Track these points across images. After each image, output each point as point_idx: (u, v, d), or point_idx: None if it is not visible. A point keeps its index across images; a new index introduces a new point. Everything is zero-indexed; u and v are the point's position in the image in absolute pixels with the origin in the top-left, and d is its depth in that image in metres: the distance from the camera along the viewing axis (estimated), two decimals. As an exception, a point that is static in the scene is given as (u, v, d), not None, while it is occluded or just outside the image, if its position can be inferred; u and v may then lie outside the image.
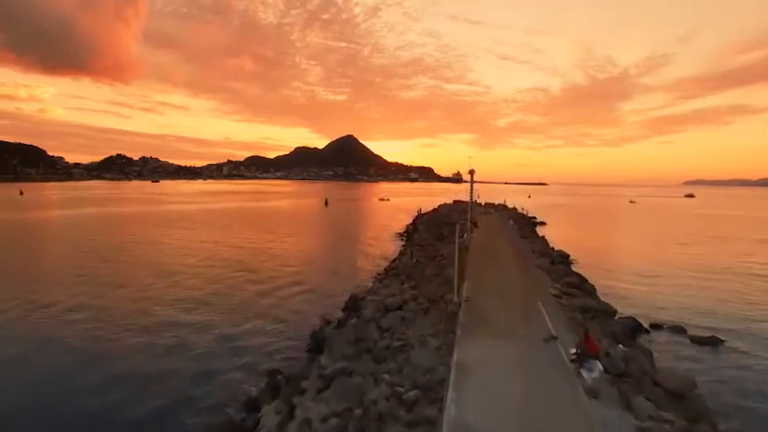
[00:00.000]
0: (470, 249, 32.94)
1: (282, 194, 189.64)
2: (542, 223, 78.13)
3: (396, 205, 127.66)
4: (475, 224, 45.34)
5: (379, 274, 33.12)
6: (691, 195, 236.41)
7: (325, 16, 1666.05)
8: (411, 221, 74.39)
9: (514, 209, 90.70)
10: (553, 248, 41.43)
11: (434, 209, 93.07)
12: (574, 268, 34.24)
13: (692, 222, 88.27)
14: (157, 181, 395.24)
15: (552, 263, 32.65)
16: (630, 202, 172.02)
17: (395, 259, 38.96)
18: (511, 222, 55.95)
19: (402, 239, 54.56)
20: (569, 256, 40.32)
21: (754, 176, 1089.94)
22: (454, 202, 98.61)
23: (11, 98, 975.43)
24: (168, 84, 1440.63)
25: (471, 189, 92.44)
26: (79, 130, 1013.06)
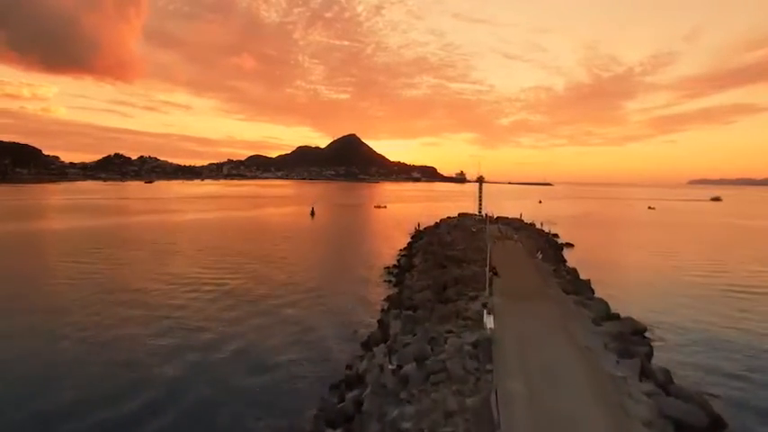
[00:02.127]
0: (498, 345, 18.02)
1: (273, 199, 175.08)
2: (569, 245, 63.09)
3: (392, 214, 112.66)
4: (495, 272, 30.36)
5: (325, 397, 18.19)
6: (717, 199, 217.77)
7: (327, 15, 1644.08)
8: (406, 245, 59.49)
9: (533, 225, 75.52)
10: (618, 316, 26.49)
11: (436, 224, 77.95)
12: (672, 372, 19.34)
13: (761, 243, 72.54)
14: (151, 182, 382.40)
15: (645, 374, 17.78)
16: (649, 208, 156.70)
17: (367, 339, 24.10)
18: (540, 256, 40.88)
19: (389, 282, 39.60)
20: (646, 330, 25.60)
21: (759, 176, 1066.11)
22: (459, 215, 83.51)
23: (14, 97, 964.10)
24: (171, 83, 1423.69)
25: (480, 202, 77.37)
26: (83, 129, 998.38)
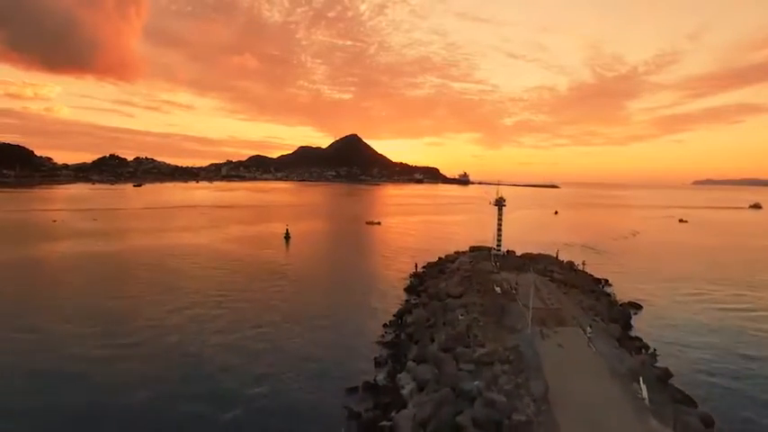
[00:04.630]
0: None
1: (255, 210, 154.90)
2: (636, 306, 42.90)
3: (386, 236, 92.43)
4: None
5: None
6: (757, 206, 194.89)
7: (330, 14, 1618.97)
8: (395, 313, 39.27)
9: (572, 265, 55.23)
10: None
11: (440, 263, 57.86)
12: None
13: None
14: (140, 185, 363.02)
15: None
16: (680, 221, 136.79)
17: None
18: (644, 392, 20.75)
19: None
20: None
21: (765, 176, 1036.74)
22: (471, 249, 63.23)
23: (17, 97, 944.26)
24: (173, 82, 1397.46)
25: (499, 232, 56.75)
26: (85, 129, 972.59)
